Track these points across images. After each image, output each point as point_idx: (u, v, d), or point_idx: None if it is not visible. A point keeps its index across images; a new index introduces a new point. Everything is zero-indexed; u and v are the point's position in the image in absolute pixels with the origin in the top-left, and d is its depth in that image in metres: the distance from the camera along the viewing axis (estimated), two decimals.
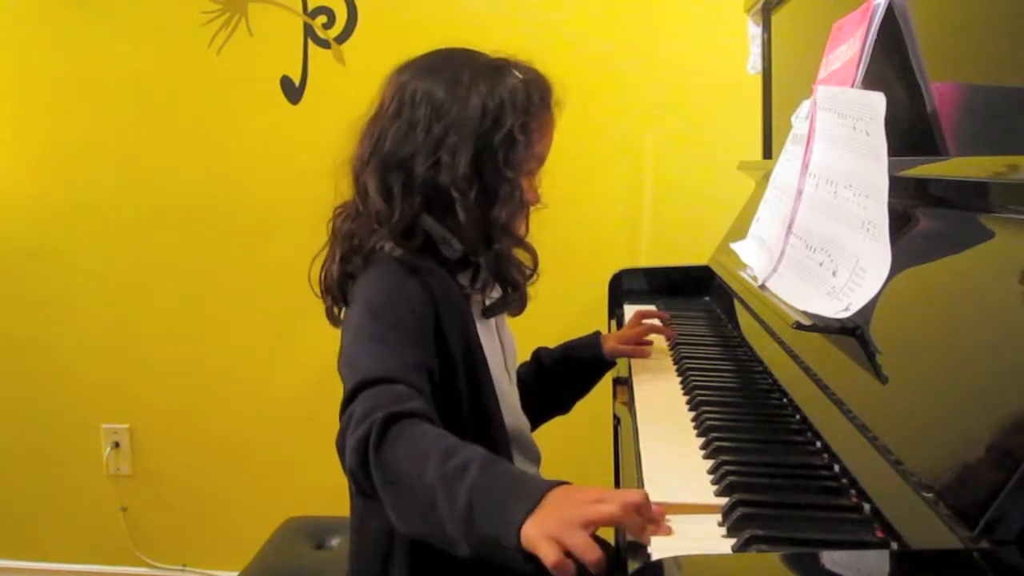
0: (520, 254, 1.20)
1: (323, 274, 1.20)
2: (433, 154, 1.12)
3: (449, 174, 1.11)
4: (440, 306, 1.12)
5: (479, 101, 1.13)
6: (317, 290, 1.21)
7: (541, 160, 1.21)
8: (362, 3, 2.17)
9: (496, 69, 1.16)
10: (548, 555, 0.76)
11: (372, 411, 0.92)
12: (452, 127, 1.12)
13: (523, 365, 1.43)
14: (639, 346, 1.46)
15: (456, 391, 1.13)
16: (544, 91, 1.19)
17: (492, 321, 1.24)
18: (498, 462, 0.88)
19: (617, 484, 1.26)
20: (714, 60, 2.04)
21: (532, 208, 1.21)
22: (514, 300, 1.21)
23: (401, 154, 1.13)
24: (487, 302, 1.21)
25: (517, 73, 1.17)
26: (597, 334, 1.49)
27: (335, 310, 1.20)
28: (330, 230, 1.21)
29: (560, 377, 1.45)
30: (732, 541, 0.77)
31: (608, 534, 1.23)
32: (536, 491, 0.82)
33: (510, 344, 1.31)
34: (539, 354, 1.48)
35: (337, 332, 1.15)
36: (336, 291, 1.18)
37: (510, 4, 2.11)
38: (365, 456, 0.91)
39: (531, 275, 1.21)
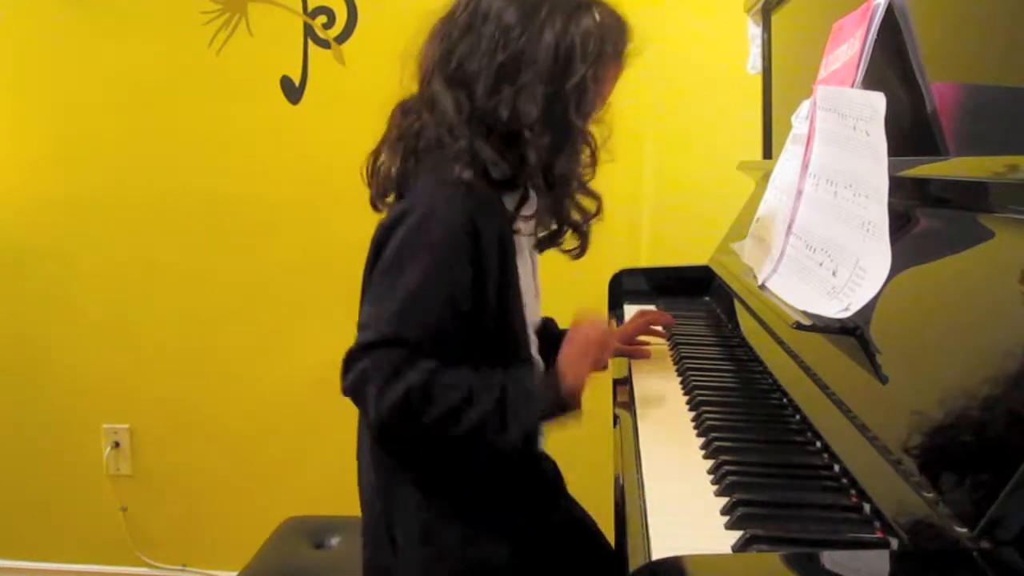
0: (583, 198, 1.18)
1: (375, 167, 1.19)
2: (496, 83, 1.09)
3: (511, 110, 1.08)
4: (484, 238, 1.09)
5: (552, 39, 1.09)
6: (364, 177, 1.20)
7: (604, 103, 1.18)
8: (362, 3, 2.17)
9: (577, 6, 1.12)
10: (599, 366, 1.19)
11: (393, 378, 1.02)
12: (522, 61, 1.09)
13: None
14: (638, 347, 1.46)
15: (484, 316, 1.11)
16: (620, 39, 1.16)
17: (532, 260, 1.23)
18: (509, 384, 1.07)
19: (617, 484, 1.26)
20: (714, 60, 2.04)
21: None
22: (574, 240, 1.20)
23: (466, 76, 1.11)
24: (539, 233, 1.20)
25: (596, 15, 1.13)
26: None
27: (380, 202, 1.20)
28: (392, 124, 1.18)
29: (554, 351, 1.44)
30: (732, 541, 0.77)
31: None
32: (549, 382, 1.12)
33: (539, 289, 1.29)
34: (546, 324, 1.47)
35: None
36: (393, 187, 1.17)
37: None
38: (408, 418, 1.03)
39: (593, 216, 1.20)
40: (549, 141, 1.09)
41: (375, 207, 1.20)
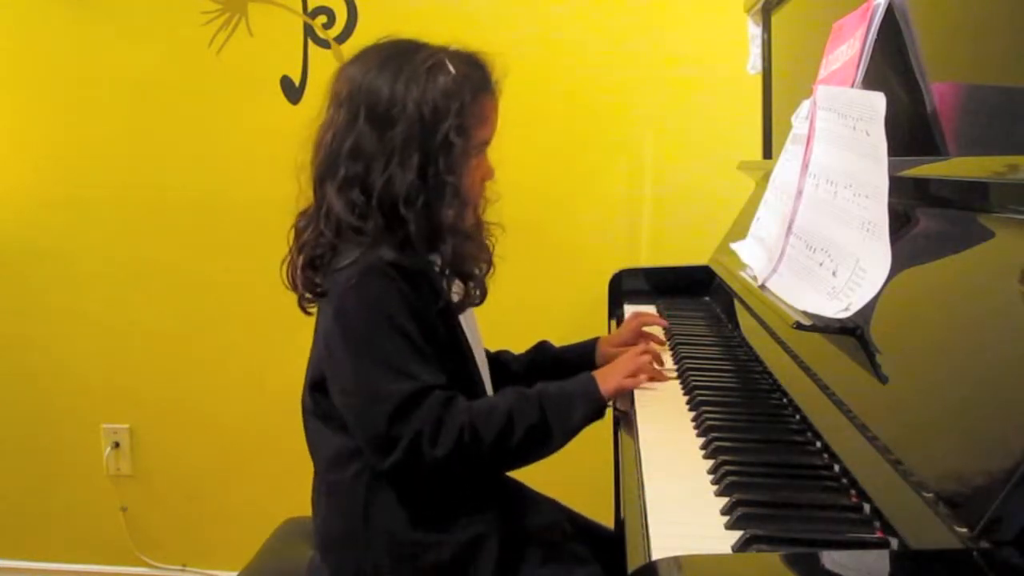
0: (475, 246, 1.23)
1: (291, 277, 1.26)
2: (384, 169, 1.15)
3: (401, 186, 1.14)
4: (423, 306, 1.16)
5: (415, 110, 1.15)
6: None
7: (486, 142, 1.23)
8: (362, 3, 2.17)
9: (429, 70, 1.17)
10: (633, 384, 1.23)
11: (438, 423, 1.10)
12: (397, 139, 1.15)
13: (524, 353, 1.48)
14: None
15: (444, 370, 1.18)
16: (481, 77, 1.20)
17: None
18: (546, 395, 1.17)
19: (617, 485, 1.26)
20: (714, 60, 2.04)
21: (486, 183, 1.24)
22: (474, 292, 1.23)
23: (355, 171, 1.16)
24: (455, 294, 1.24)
25: (450, 68, 1.18)
26: (596, 340, 1.49)
27: (306, 303, 1.28)
28: (296, 235, 1.27)
29: (548, 374, 1.45)
30: (732, 541, 0.77)
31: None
32: (588, 382, 1.20)
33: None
34: (542, 347, 1.50)
35: None
36: (302, 292, 1.25)
37: (510, 4, 2.11)
38: (468, 456, 1.11)
39: (487, 267, 1.25)
40: (428, 199, 1.15)
41: (303, 311, 1.28)
